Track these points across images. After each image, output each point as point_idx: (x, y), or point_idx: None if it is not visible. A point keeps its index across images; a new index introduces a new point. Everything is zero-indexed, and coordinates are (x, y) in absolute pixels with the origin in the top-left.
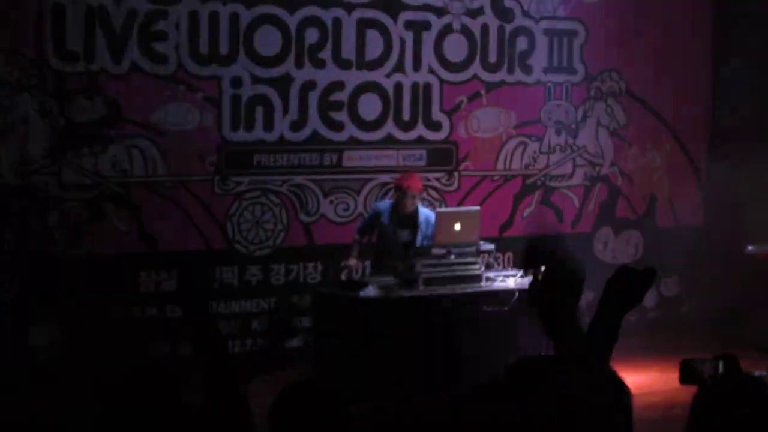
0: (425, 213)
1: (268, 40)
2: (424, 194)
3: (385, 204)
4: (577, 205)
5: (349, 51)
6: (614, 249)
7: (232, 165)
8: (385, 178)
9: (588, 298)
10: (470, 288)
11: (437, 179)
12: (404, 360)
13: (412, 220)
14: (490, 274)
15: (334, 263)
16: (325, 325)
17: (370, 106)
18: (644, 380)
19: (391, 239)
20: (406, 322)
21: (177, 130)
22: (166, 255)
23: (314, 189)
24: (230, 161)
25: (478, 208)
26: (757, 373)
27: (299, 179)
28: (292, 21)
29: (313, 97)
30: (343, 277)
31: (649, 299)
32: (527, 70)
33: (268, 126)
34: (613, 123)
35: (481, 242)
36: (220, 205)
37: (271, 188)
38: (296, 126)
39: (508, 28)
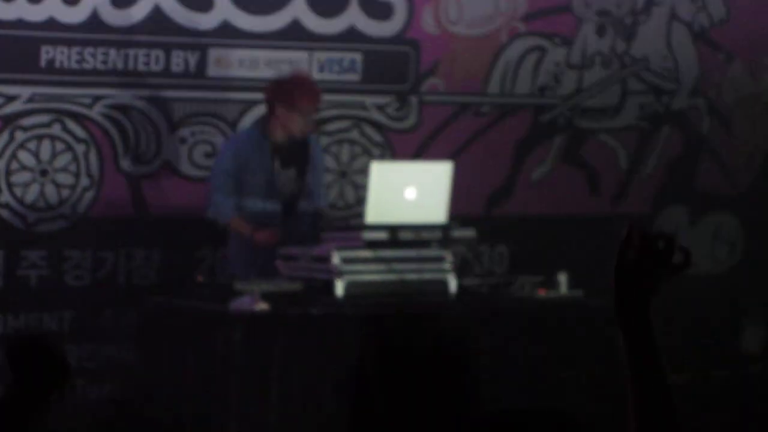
0: (315, 143)
1: None
2: (355, 133)
3: (244, 135)
4: (626, 163)
5: None
6: (690, 246)
7: (0, 64)
8: None
9: None
10: (430, 305)
11: (379, 107)
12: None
13: (298, 153)
14: (468, 282)
15: (182, 252)
16: (163, 360)
17: None
18: None
19: (270, 191)
20: (310, 360)
21: None
22: None
23: (153, 116)
24: None
25: (450, 162)
26: None
27: (124, 96)
28: None
29: None
30: (200, 277)
31: (752, 340)
32: None
33: None
34: (702, 17)
35: (454, 224)
36: None
37: (72, 110)
38: None
39: None
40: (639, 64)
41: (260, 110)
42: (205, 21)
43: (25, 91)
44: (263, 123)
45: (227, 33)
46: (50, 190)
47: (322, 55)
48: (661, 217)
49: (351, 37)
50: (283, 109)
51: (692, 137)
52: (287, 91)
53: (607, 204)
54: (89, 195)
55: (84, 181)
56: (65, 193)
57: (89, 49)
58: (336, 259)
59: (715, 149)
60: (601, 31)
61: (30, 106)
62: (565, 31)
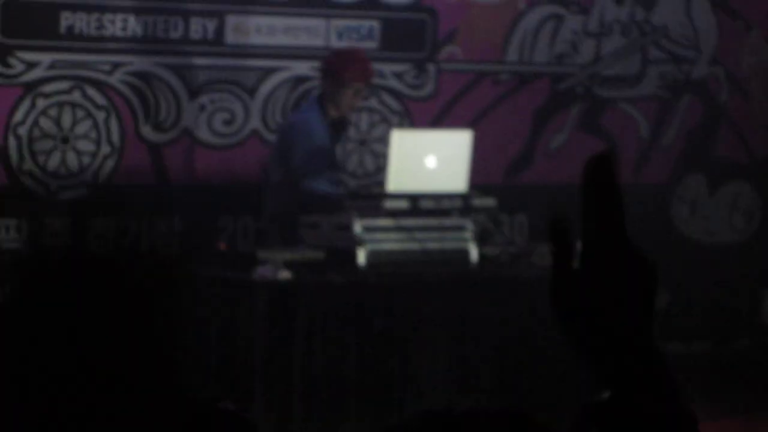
0: None
1: None
2: (373, 100)
3: (309, 115)
4: (647, 132)
5: None
6: (708, 215)
7: (21, 31)
8: (302, 68)
9: (660, 301)
10: (452, 273)
11: (397, 75)
12: (325, 398)
13: (342, 127)
14: (489, 250)
15: (204, 220)
16: (187, 328)
17: None
18: None
19: (333, 167)
20: (333, 328)
21: None
22: None
23: (172, 83)
24: (16, 25)
25: (469, 131)
26: None
27: (144, 63)
28: None
29: None
30: (221, 246)
31: None
32: None
33: None
34: None
35: (474, 192)
36: None
37: (93, 77)
38: None
39: None
40: (658, 32)
41: (278, 77)
42: None
43: (46, 58)
44: (321, 101)
45: (245, 0)
46: (72, 158)
47: (339, 23)
48: (680, 186)
49: (368, 4)
50: (332, 85)
51: (711, 106)
52: (336, 67)
53: (626, 173)
54: (110, 163)
55: (105, 148)
56: (86, 160)
57: (108, 16)
58: (357, 227)
59: (733, 118)
60: None
61: (50, 72)
62: None
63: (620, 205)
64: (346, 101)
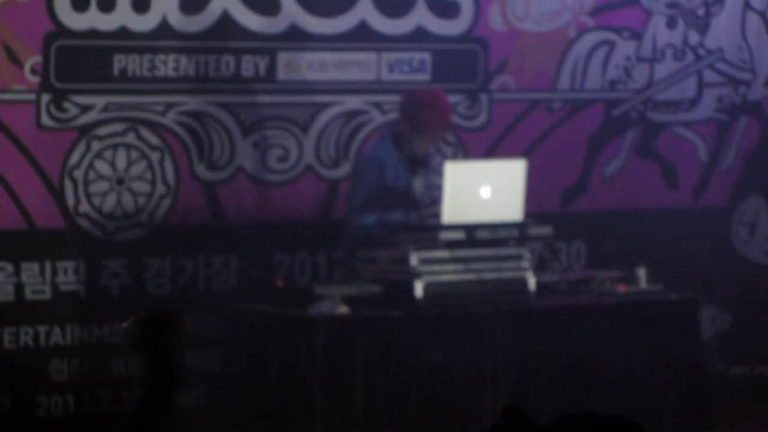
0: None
1: None
2: None
3: (380, 147)
4: (705, 156)
5: None
6: None
7: (74, 74)
8: (354, 102)
9: (723, 324)
10: (510, 303)
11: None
12: None
13: (422, 161)
14: (547, 278)
15: (260, 257)
16: (246, 366)
17: None
18: None
19: (408, 202)
20: (392, 361)
21: None
22: None
23: (225, 121)
24: (70, 67)
25: (523, 160)
26: None
27: (197, 103)
28: None
29: None
30: (280, 282)
31: None
32: None
33: (141, 4)
34: None
35: (530, 221)
36: (52, 149)
37: (147, 119)
38: (192, 4)
39: None
40: (714, 55)
41: (331, 112)
42: (273, 25)
43: (100, 101)
44: (396, 138)
45: (295, 36)
46: (127, 199)
47: (390, 56)
48: (740, 208)
49: (419, 37)
50: (408, 127)
51: None
52: (414, 111)
53: (684, 197)
54: (166, 202)
55: (160, 188)
56: (142, 201)
57: (160, 57)
58: (414, 260)
59: None
60: (671, 23)
61: (104, 115)
62: (634, 24)
63: None
64: (421, 145)
